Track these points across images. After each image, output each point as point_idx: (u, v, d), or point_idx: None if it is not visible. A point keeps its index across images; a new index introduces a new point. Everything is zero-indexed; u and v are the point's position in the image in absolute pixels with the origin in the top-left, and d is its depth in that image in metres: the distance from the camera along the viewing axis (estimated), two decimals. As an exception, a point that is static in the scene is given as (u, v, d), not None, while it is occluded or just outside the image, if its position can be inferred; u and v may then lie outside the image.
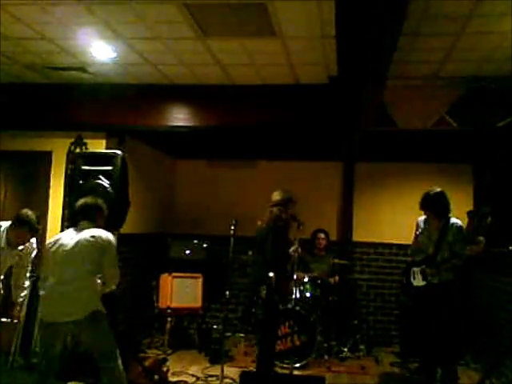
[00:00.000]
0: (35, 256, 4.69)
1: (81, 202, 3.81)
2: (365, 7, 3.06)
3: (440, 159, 6.75)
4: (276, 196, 4.95)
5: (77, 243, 3.57)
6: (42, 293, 3.57)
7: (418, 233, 5.10)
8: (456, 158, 6.72)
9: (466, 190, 6.71)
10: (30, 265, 4.68)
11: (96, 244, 3.57)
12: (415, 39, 4.14)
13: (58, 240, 3.65)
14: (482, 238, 4.96)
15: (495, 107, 4.96)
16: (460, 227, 4.89)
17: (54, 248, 3.60)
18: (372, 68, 4.02)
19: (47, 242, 3.81)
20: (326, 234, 6.58)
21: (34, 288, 5.16)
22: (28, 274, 4.71)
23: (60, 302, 3.47)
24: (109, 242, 3.62)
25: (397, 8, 3.08)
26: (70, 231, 3.72)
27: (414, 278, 5.00)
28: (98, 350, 3.59)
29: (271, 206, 4.90)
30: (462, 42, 4.17)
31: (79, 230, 3.67)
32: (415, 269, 4.98)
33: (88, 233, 3.61)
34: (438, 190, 4.86)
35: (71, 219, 3.88)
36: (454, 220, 4.90)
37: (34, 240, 4.66)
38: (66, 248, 3.56)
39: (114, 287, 3.74)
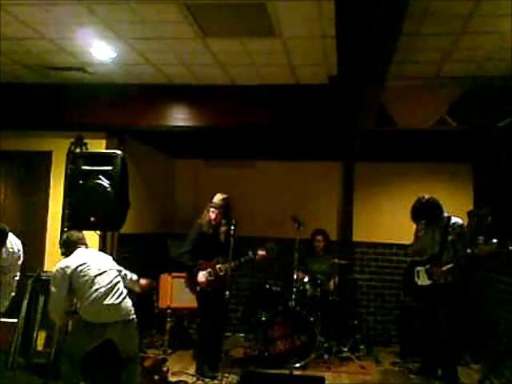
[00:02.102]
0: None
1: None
2: (365, 7, 3.06)
3: (440, 159, 6.75)
4: (215, 199, 5.14)
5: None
6: (85, 303, 3.88)
7: (420, 234, 5.11)
8: (456, 158, 6.73)
9: (466, 190, 6.72)
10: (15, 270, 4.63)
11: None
12: (415, 39, 4.14)
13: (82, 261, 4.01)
14: (482, 238, 4.97)
15: (495, 107, 4.96)
16: (462, 225, 4.91)
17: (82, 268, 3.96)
18: (372, 68, 4.01)
19: (66, 265, 3.99)
20: (325, 234, 6.57)
21: (33, 289, 5.17)
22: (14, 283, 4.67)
23: (111, 305, 3.87)
24: None
25: (397, 8, 3.08)
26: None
27: (419, 278, 5.00)
28: (131, 350, 4.00)
29: (210, 208, 5.12)
30: (462, 42, 4.17)
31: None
32: (419, 268, 4.99)
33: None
34: (424, 199, 4.89)
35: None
36: (454, 219, 4.91)
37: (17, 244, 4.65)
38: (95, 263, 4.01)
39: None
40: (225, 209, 5.09)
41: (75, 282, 3.90)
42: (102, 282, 3.89)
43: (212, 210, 5.07)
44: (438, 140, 5.93)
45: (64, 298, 3.93)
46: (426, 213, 4.91)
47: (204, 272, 4.98)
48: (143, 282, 4.48)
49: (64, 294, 3.91)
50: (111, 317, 3.85)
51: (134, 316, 4.01)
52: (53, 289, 3.94)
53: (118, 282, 4.01)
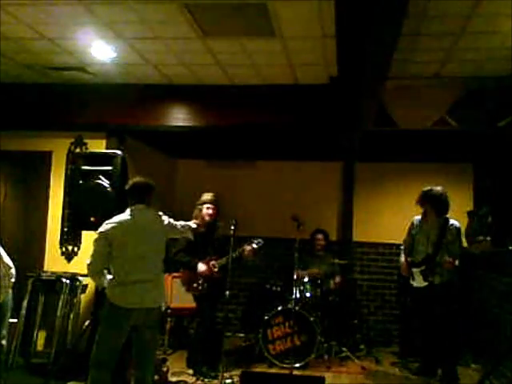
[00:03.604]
0: None
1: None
2: (365, 7, 3.06)
3: (440, 159, 6.75)
4: (207, 196, 5.17)
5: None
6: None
7: (413, 232, 5.10)
8: (456, 158, 6.72)
9: (466, 190, 6.71)
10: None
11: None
12: (415, 39, 4.14)
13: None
14: (482, 238, 4.98)
15: (495, 107, 4.96)
16: (458, 228, 4.90)
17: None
18: (372, 68, 4.01)
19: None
20: (325, 234, 6.57)
21: (33, 289, 5.18)
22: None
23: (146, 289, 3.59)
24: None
25: (397, 8, 3.08)
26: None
27: (414, 279, 4.99)
28: (154, 343, 3.76)
29: (202, 204, 5.13)
30: (462, 42, 4.17)
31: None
32: (414, 269, 4.97)
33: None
34: (440, 188, 4.88)
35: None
36: (452, 221, 4.90)
37: None
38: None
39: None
40: (217, 204, 5.14)
41: None
42: None
43: (207, 206, 5.08)
44: (438, 140, 5.92)
45: None
46: (439, 199, 4.85)
47: (203, 264, 5.00)
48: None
49: None
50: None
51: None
52: None
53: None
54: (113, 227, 3.59)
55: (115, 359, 3.57)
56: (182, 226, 4.08)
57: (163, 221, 3.83)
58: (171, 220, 3.92)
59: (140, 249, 3.60)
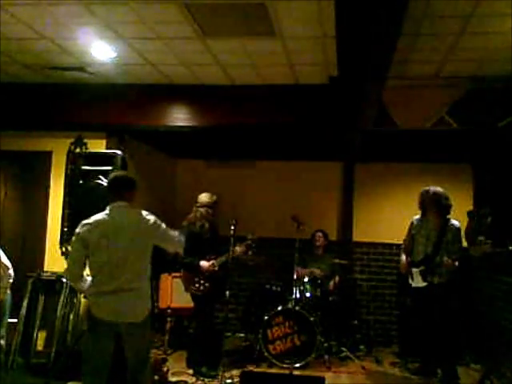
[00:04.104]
0: None
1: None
2: (365, 7, 3.06)
3: (440, 159, 6.75)
4: (204, 198, 5.16)
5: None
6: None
7: (413, 232, 5.10)
8: (456, 158, 6.73)
9: (466, 190, 6.71)
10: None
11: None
12: (415, 39, 4.14)
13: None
14: (482, 238, 4.97)
15: (495, 107, 4.96)
16: (459, 229, 4.90)
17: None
18: (372, 68, 4.01)
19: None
20: (325, 234, 6.57)
21: (33, 289, 5.18)
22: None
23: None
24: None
25: (397, 8, 3.08)
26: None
27: (413, 279, 4.99)
28: (143, 347, 3.37)
29: (198, 207, 5.13)
30: (462, 42, 4.17)
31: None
32: (414, 269, 4.97)
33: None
34: (440, 188, 4.89)
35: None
36: (453, 221, 4.90)
37: None
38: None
39: None
40: (215, 206, 5.17)
41: None
42: None
43: (205, 209, 5.08)
44: (438, 140, 5.93)
45: None
46: (441, 201, 4.86)
47: (205, 261, 5.00)
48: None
49: None
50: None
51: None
52: None
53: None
54: (88, 229, 3.25)
55: (107, 366, 3.27)
56: (175, 237, 3.62)
57: (148, 221, 3.37)
58: (163, 225, 3.48)
59: (118, 253, 3.22)
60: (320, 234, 6.51)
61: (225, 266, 4.98)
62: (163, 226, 3.47)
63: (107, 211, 3.33)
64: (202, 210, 5.11)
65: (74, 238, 3.32)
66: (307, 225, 5.89)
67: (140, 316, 3.26)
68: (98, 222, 3.28)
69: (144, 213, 3.40)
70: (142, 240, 3.34)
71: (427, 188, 4.95)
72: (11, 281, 4.54)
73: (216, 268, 5.00)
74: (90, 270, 3.29)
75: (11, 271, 4.57)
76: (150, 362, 3.52)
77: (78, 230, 3.29)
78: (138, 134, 6.14)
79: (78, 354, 4.67)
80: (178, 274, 5.69)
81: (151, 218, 3.41)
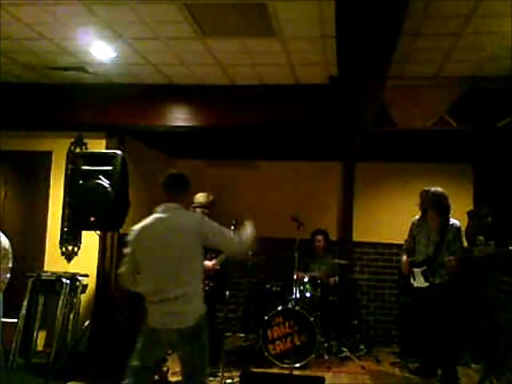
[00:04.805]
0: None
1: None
2: (365, 7, 3.06)
3: (440, 159, 6.75)
4: (200, 198, 5.08)
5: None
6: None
7: (414, 232, 5.10)
8: (456, 158, 6.72)
9: (466, 190, 6.71)
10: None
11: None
12: (415, 39, 4.14)
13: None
14: (482, 238, 4.97)
15: (495, 107, 4.96)
16: (459, 228, 4.91)
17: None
18: (372, 68, 4.01)
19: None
20: (326, 234, 6.57)
21: (33, 289, 5.17)
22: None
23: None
24: None
25: (397, 8, 3.08)
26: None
27: (415, 279, 4.99)
28: (195, 356, 3.20)
29: (195, 208, 5.04)
30: (462, 42, 4.17)
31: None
32: (415, 270, 4.97)
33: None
34: (440, 188, 4.90)
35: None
36: (453, 220, 4.91)
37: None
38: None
39: None
40: (211, 206, 5.12)
41: None
42: None
43: (201, 209, 5.02)
44: (438, 140, 5.93)
45: None
46: (441, 201, 4.86)
47: (207, 261, 5.00)
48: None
49: None
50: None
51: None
52: None
53: None
54: (136, 233, 3.17)
55: (152, 368, 3.27)
56: (230, 238, 3.35)
57: (202, 224, 3.23)
58: (215, 224, 3.28)
59: (165, 259, 3.10)
60: (320, 237, 6.50)
61: (225, 265, 4.97)
62: (216, 226, 3.26)
63: (158, 213, 3.23)
64: (198, 210, 5.06)
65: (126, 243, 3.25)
66: (307, 225, 5.90)
67: (189, 321, 3.11)
68: (146, 225, 3.19)
69: (199, 215, 3.28)
70: (191, 243, 3.16)
71: (427, 188, 4.95)
72: (4, 287, 4.48)
73: (218, 267, 5.00)
74: (141, 277, 3.20)
75: (8, 275, 4.50)
76: (205, 374, 3.28)
77: (128, 237, 3.22)
78: (138, 134, 6.14)
79: (78, 354, 4.71)
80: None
81: (205, 220, 3.29)
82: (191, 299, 3.15)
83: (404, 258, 5.16)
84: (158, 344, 3.16)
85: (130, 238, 3.21)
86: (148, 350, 3.17)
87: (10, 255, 4.45)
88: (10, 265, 4.43)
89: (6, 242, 4.47)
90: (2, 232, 4.50)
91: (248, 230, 3.36)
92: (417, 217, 5.12)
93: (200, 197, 5.13)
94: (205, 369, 3.28)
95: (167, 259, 3.10)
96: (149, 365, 3.19)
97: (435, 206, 4.88)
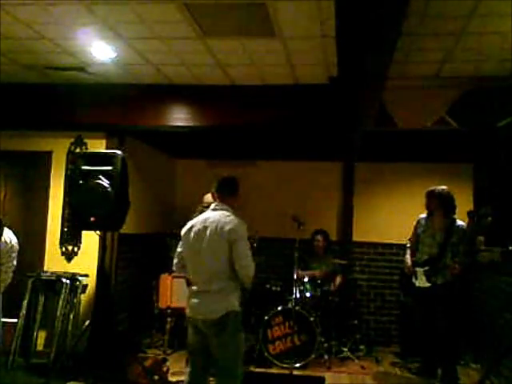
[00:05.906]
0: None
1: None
2: (365, 7, 3.06)
3: (440, 159, 6.75)
4: (209, 198, 5.01)
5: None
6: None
7: (419, 231, 5.10)
8: (456, 158, 6.73)
9: (466, 190, 6.71)
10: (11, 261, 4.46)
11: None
12: (415, 39, 4.14)
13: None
14: (481, 238, 4.97)
15: (495, 107, 4.96)
16: (465, 230, 4.90)
17: None
18: (372, 68, 4.01)
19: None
20: (326, 234, 6.57)
21: (33, 289, 5.18)
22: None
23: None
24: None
25: (397, 8, 3.08)
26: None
27: (417, 279, 4.99)
28: (225, 349, 3.38)
29: (203, 207, 4.95)
30: (462, 42, 4.16)
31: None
32: (418, 269, 4.97)
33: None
34: (446, 189, 4.89)
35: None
36: (459, 222, 4.90)
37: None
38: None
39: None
40: None
41: None
42: None
43: None
44: (438, 140, 5.93)
45: None
46: (448, 201, 4.87)
47: None
48: None
49: None
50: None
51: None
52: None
53: None
54: (186, 229, 3.51)
55: (202, 354, 3.48)
56: (244, 260, 3.33)
57: (235, 237, 3.32)
58: (244, 246, 3.34)
59: (200, 255, 3.37)
60: (319, 237, 6.50)
61: None
62: (243, 246, 3.34)
63: (208, 211, 3.54)
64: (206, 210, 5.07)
65: None
66: (307, 225, 5.90)
67: (215, 313, 3.32)
68: (195, 222, 3.49)
69: (235, 223, 3.37)
70: (219, 244, 3.34)
71: (433, 188, 4.95)
72: (14, 255, 4.49)
73: None
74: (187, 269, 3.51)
75: (9, 279, 4.51)
76: (237, 374, 3.39)
77: (181, 232, 3.55)
78: (138, 134, 6.14)
79: (78, 354, 4.71)
80: (178, 274, 5.69)
81: (233, 227, 3.35)
82: (219, 295, 3.36)
83: (407, 256, 5.15)
84: (194, 331, 3.48)
85: (182, 232, 3.54)
86: (191, 335, 3.53)
87: (15, 254, 4.47)
88: (15, 263, 4.46)
89: (16, 241, 4.49)
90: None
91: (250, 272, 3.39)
92: (423, 215, 5.11)
93: (209, 197, 5.11)
94: (232, 371, 3.38)
95: (202, 255, 3.37)
96: (197, 348, 3.49)
97: (441, 207, 4.88)
